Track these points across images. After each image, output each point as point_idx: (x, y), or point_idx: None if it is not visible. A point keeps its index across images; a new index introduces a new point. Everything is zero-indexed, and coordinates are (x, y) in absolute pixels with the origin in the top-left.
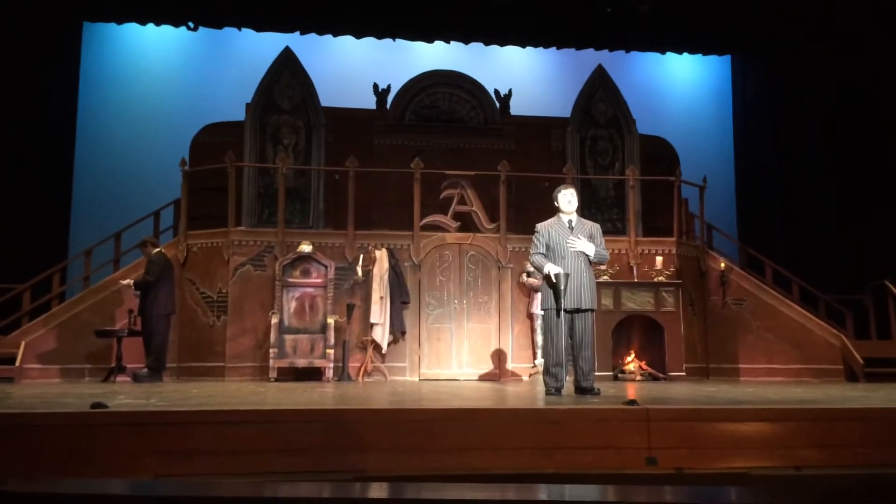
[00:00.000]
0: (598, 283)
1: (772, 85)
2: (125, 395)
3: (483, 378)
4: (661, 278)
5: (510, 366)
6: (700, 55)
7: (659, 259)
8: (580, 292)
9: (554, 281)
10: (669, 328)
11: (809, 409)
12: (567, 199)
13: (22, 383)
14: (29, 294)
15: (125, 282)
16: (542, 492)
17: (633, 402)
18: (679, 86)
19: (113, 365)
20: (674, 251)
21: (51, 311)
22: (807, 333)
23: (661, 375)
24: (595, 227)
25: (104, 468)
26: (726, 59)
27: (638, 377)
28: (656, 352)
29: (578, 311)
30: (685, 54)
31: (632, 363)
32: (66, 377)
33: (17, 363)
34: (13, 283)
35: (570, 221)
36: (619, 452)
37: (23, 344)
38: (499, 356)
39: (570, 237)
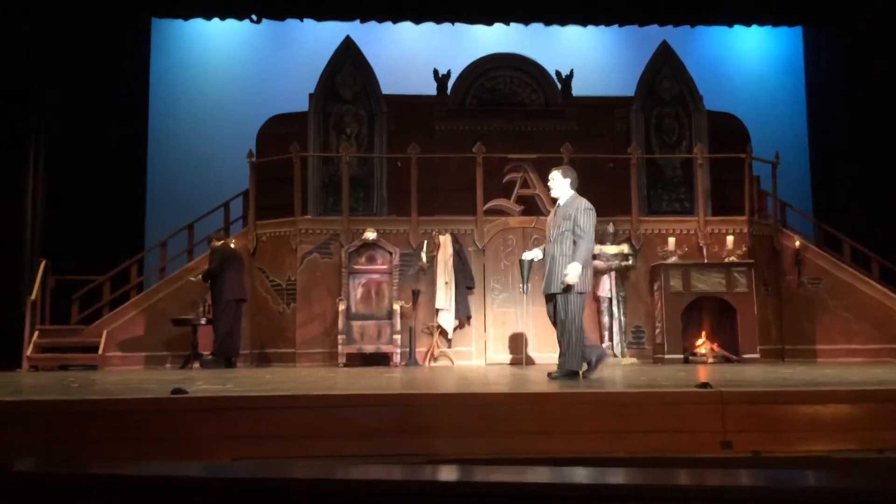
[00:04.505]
0: (666, 264)
1: (846, 55)
2: (203, 381)
3: (550, 362)
4: (732, 258)
5: None
6: (770, 27)
7: (730, 239)
8: (549, 278)
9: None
10: (742, 309)
11: (892, 390)
12: (550, 183)
13: (105, 371)
14: (109, 285)
15: (194, 277)
16: (614, 475)
17: (706, 384)
18: (748, 59)
19: (190, 352)
20: (745, 230)
21: (130, 301)
22: (887, 312)
23: (734, 357)
24: (575, 207)
25: (184, 451)
26: (797, 30)
27: (710, 360)
28: (728, 333)
29: (548, 295)
30: (754, 26)
31: (703, 345)
32: (146, 364)
33: (100, 352)
34: (94, 275)
35: (558, 205)
36: (693, 436)
37: (105, 333)
38: None
39: (550, 220)
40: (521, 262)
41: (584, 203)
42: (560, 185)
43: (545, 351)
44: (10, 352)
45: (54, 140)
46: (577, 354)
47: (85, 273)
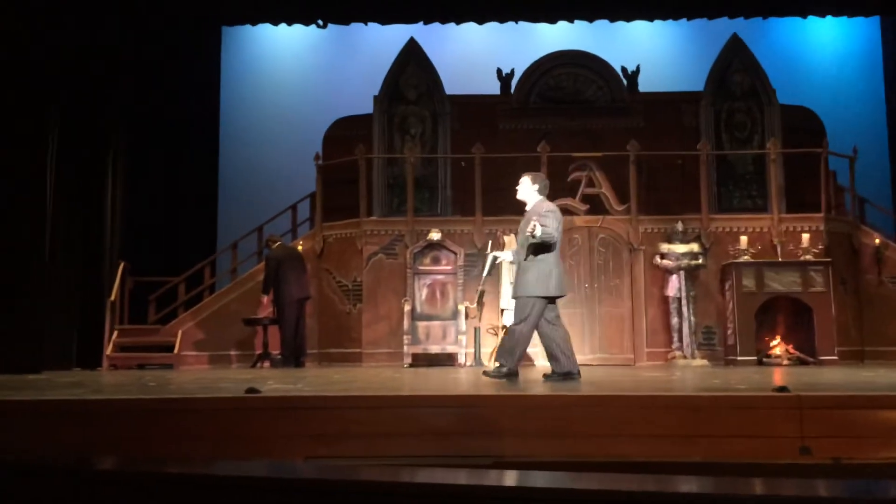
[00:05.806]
0: (738, 263)
1: None
2: (274, 381)
3: (617, 363)
4: (808, 257)
5: (645, 350)
6: (845, 17)
7: (805, 236)
8: (516, 280)
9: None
10: (819, 309)
11: None
12: (518, 187)
13: (180, 370)
14: (183, 286)
15: (262, 315)
16: (685, 483)
17: (783, 388)
18: (823, 51)
19: (259, 351)
20: (822, 227)
21: (203, 301)
22: None
23: (810, 360)
24: (534, 211)
25: (258, 450)
26: (875, 20)
27: (785, 361)
28: (804, 335)
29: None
30: (829, 17)
31: (778, 347)
32: (216, 363)
33: (176, 351)
34: (170, 277)
35: (526, 211)
36: (770, 441)
37: (180, 333)
38: (633, 341)
39: (519, 227)
40: (489, 256)
41: (548, 205)
42: (527, 189)
43: (611, 352)
44: (91, 351)
45: (131, 147)
46: (514, 355)
47: (161, 274)
